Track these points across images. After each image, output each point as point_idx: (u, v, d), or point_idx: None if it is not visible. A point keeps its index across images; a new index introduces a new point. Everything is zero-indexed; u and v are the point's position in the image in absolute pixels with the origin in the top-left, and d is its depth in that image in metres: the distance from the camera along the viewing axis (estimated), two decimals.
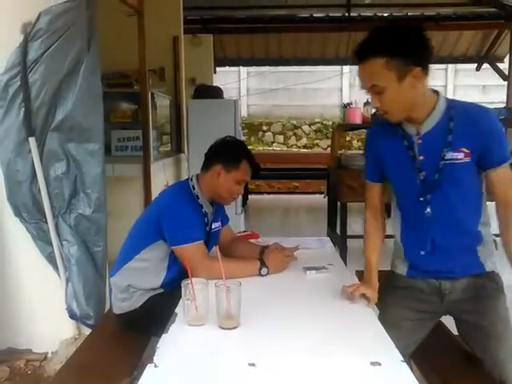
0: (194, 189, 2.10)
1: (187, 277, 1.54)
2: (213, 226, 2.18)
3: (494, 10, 7.74)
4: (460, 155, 1.56)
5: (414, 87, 1.51)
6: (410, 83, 1.50)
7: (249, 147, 2.23)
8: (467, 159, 1.57)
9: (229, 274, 1.57)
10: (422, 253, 1.67)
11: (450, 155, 1.57)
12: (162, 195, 2.17)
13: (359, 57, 1.54)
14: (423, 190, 1.62)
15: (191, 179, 2.14)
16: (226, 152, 2.10)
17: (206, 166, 2.12)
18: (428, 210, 1.63)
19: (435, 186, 1.60)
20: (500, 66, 9.23)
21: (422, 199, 1.62)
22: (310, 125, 14.05)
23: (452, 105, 1.60)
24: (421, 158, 1.61)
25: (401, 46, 1.48)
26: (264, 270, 1.97)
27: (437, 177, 1.60)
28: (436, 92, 1.62)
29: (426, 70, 1.52)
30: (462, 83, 14.04)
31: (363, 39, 1.52)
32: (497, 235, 1.65)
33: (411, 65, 1.48)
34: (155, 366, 1.25)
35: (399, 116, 1.59)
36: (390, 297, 1.76)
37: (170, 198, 2.09)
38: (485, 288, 1.67)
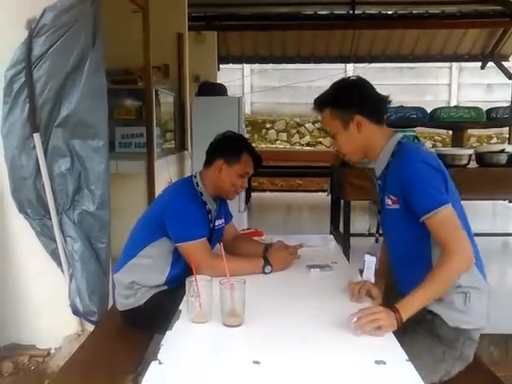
0: (197, 186, 2.10)
1: (191, 274, 1.54)
2: (216, 223, 2.18)
3: (499, 7, 7.69)
4: (389, 201, 1.66)
5: (359, 133, 1.68)
6: (354, 129, 1.68)
7: (252, 145, 2.23)
8: (396, 206, 1.63)
9: (232, 271, 1.57)
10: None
11: (386, 200, 1.68)
12: (165, 192, 2.18)
13: (315, 108, 1.77)
14: (380, 227, 1.83)
15: (195, 176, 2.14)
16: (226, 146, 2.11)
17: (208, 162, 2.13)
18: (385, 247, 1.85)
19: (381, 226, 1.80)
20: (505, 64, 9.18)
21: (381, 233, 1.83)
22: (313, 123, 14.01)
23: (396, 150, 1.67)
24: (380, 198, 1.76)
25: (340, 98, 1.70)
26: (268, 268, 1.97)
27: (378, 218, 1.79)
28: (394, 132, 1.72)
29: (369, 118, 1.68)
30: (467, 82, 13.97)
31: (319, 94, 1.74)
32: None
33: (352, 112, 1.67)
34: (159, 362, 1.25)
35: (355, 157, 1.77)
36: None
37: (174, 196, 2.09)
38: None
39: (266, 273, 1.97)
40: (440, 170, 1.60)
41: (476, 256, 1.59)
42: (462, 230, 1.54)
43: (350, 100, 1.68)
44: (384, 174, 1.69)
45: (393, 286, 1.83)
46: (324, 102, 1.73)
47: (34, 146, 2.59)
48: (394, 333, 1.45)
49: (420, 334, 1.65)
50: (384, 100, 1.73)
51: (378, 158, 1.71)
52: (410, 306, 1.49)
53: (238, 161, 2.07)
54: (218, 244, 2.08)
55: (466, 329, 1.61)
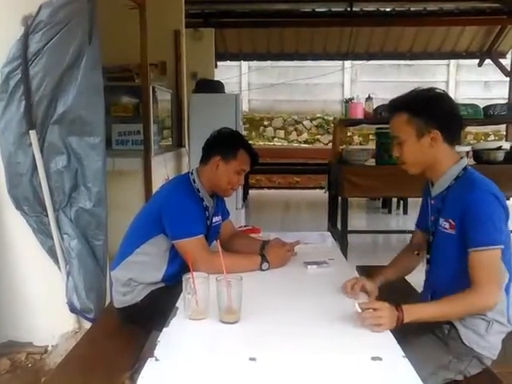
0: (194, 182, 2.09)
1: (188, 271, 1.54)
2: (213, 220, 2.18)
3: (496, 5, 7.70)
4: (447, 225, 1.63)
5: (431, 147, 1.63)
6: (427, 143, 1.62)
7: (250, 142, 2.23)
8: (452, 231, 1.61)
9: (230, 268, 1.57)
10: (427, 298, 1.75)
11: (441, 222, 1.65)
12: (162, 189, 2.17)
13: (390, 109, 1.71)
14: (427, 249, 1.77)
15: (191, 173, 2.13)
16: (222, 143, 2.10)
17: (205, 158, 2.12)
18: (426, 267, 1.78)
19: (431, 248, 1.74)
20: (502, 61, 9.18)
21: (427, 256, 1.76)
22: (311, 120, 14.01)
23: (462, 175, 1.64)
24: (432, 218, 1.72)
25: (425, 107, 1.62)
26: (265, 265, 1.97)
27: (431, 239, 1.74)
28: (460, 158, 1.68)
29: (446, 136, 1.62)
30: (464, 79, 13.98)
31: (399, 95, 1.68)
32: None
33: (431, 127, 1.61)
34: (156, 359, 1.25)
35: (414, 169, 1.70)
36: None
37: (171, 192, 2.09)
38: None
39: (263, 270, 1.97)
40: (506, 207, 1.56)
41: (508, 289, 1.62)
42: (500, 276, 1.54)
43: (436, 113, 1.62)
44: (443, 195, 1.65)
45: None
46: (404, 105, 1.66)
47: (31, 143, 2.58)
48: (404, 332, 1.46)
49: (430, 338, 1.65)
50: (462, 122, 1.71)
51: (440, 178, 1.66)
52: (416, 313, 1.50)
53: (234, 157, 2.06)
54: (215, 241, 2.08)
55: (478, 351, 1.61)
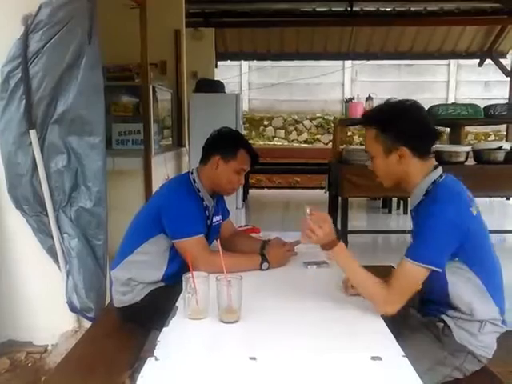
0: (194, 182, 2.09)
1: (188, 270, 1.54)
2: (214, 220, 2.17)
3: (497, 5, 7.69)
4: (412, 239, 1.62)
5: (400, 164, 1.60)
6: (395, 159, 1.60)
7: (250, 141, 2.23)
8: None
9: (230, 268, 1.57)
10: None
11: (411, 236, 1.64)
12: (162, 189, 2.17)
13: (361, 123, 1.70)
14: None
15: (191, 172, 2.13)
16: (222, 143, 2.10)
17: (205, 158, 2.12)
18: None
19: None
20: (503, 61, 9.18)
21: None
22: (311, 119, 14.02)
23: (430, 190, 1.60)
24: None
25: (391, 124, 1.59)
26: (265, 265, 1.97)
27: None
28: (434, 168, 1.63)
29: (415, 151, 1.59)
30: (465, 79, 13.98)
31: (371, 108, 1.63)
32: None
33: (398, 144, 1.58)
34: (156, 359, 1.25)
35: (387, 183, 1.69)
36: None
37: (171, 192, 2.09)
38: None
39: (263, 269, 1.97)
40: (461, 226, 1.50)
41: (501, 291, 1.63)
42: (410, 294, 1.52)
43: (400, 130, 1.57)
44: (416, 210, 1.64)
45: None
46: (372, 121, 1.64)
47: (31, 143, 2.58)
48: (399, 329, 1.47)
49: (425, 335, 1.66)
50: (435, 135, 1.65)
51: (413, 192, 1.64)
52: (342, 257, 1.59)
53: (234, 157, 2.06)
54: (215, 240, 2.08)
55: (470, 348, 1.61)
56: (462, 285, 1.58)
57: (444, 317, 1.64)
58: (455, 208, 1.51)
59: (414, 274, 1.50)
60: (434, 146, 1.68)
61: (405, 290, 1.51)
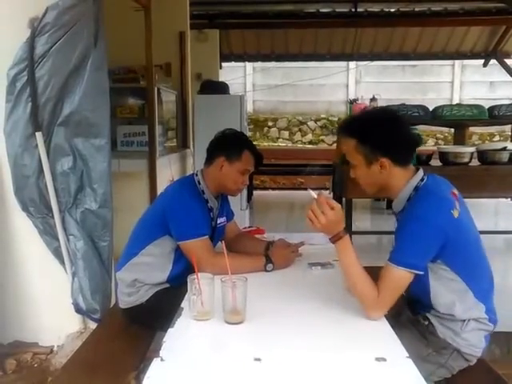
0: (199, 184, 2.10)
1: (193, 272, 1.54)
2: (218, 221, 2.18)
3: (501, 5, 7.66)
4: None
5: (381, 174, 1.60)
6: (377, 169, 1.60)
7: (254, 143, 2.23)
8: None
9: (234, 269, 1.57)
10: None
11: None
12: (167, 191, 2.18)
13: (339, 133, 1.70)
14: None
15: (196, 174, 2.14)
16: (226, 144, 2.11)
17: (209, 159, 2.13)
18: None
19: None
20: (508, 62, 9.15)
21: None
22: (315, 121, 14.01)
23: (413, 196, 1.60)
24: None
25: (370, 134, 1.58)
26: (269, 266, 1.97)
27: None
28: (415, 172, 1.63)
29: (395, 161, 1.59)
30: (469, 79, 13.94)
31: (347, 117, 1.63)
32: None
33: (378, 155, 1.58)
34: (162, 359, 1.26)
35: (369, 190, 1.70)
36: None
37: (175, 194, 2.09)
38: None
39: (267, 270, 1.97)
40: (442, 229, 1.51)
41: (487, 290, 1.66)
42: (396, 297, 1.53)
43: (379, 140, 1.57)
44: (401, 215, 1.64)
45: None
46: (351, 132, 1.63)
47: (37, 145, 2.60)
48: (390, 326, 1.48)
49: (411, 331, 1.68)
50: (415, 142, 1.65)
51: (396, 199, 1.65)
52: (346, 252, 1.56)
53: (239, 158, 2.07)
54: (219, 242, 2.09)
55: (455, 346, 1.62)
56: (444, 286, 1.60)
57: (428, 315, 1.67)
58: (436, 212, 1.52)
59: (398, 278, 1.51)
60: (414, 153, 1.68)
61: (390, 295, 1.52)
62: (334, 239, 1.55)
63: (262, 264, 1.97)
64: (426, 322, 1.67)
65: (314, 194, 1.53)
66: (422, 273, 1.52)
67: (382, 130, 1.58)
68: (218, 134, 2.16)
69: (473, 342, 1.62)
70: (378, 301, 1.51)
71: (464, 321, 1.61)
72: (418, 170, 1.65)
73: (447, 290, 1.60)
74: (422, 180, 1.62)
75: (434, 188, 1.60)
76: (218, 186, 2.11)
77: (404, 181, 1.62)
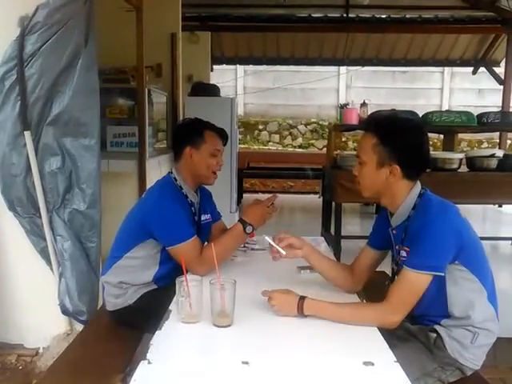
0: (176, 180, 2.09)
1: (180, 272, 1.54)
2: (202, 218, 2.18)
3: (491, 14, 7.78)
4: (404, 253, 1.61)
5: (387, 180, 1.60)
6: (385, 174, 1.59)
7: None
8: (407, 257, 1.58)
9: (222, 252, 1.56)
10: None
11: (401, 251, 1.63)
12: (146, 196, 2.13)
13: (364, 125, 1.68)
14: (392, 276, 1.74)
15: (171, 172, 2.14)
16: (186, 132, 2.11)
17: (177, 154, 2.13)
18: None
19: (395, 276, 1.67)
20: (496, 70, 9.27)
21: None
22: (306, 125, 14.04)
23: (418, 203, 1.60)
24: (396, 247, 1.68)
25: (393, 137, 1.57)
26: (249, 228, 1.98)
27: (395, 269, 1.69)
28: (414, 185, 1.63)
29: (405, 173, 1.59)
30: (458, 86, 14.07)
31: (376, 114, 1.63)
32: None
33: (392, 160, 1.57)
34: (149, 362, 1.25)
35: (367, 193, 1.68)
36: None
37: (155, 199, 2.03)
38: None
39: (247, 233, 1.98)
40: (456, 231, 1.53)
41: (493, 296, 1.63)
42: (413, 302, 1.52)
43: (400, 147, 1.56)
44: (405, 225, 1.62)
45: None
46: (375, 129, 1.61)
47: (25, 144, 2.57)
48: (390, 337, 1.47)
49: (416, 345, 1.66)
50: (427, 162, 1.64)
51: (398, 210, 1.64)
52: (316, 309, 1.53)
53: (203, 141, 2.07)
54: (206, 242, 2.09)
55: (461, 362, 1.61)
56: (462, 287, 1.59)
57: (437, 327, 1.64)
58: (451, 214, 1.55)
59: (418, 282, 1.51)
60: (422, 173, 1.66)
61: (408, 300, 1.52)
62: (300, 312, 1.53)
63: (241, 230, 1.98)
64: (434, 335, 1.64)
65: (269, 239, 1.56)
66: (442, 274, 1.52)
67: (407, 139, 1.58)
68: (175, 128, 2.15)
69: (478, 357, 1.62)
70: (394, 305, 1.50)
71: (474, 334, 1.59)
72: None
73: (465, 291, 1.58)
74: (422, 188, 1.64)
75: (435, 195, 1.63)
76: (194, 176, 2.11)
77: (405, 194, 1.62)
